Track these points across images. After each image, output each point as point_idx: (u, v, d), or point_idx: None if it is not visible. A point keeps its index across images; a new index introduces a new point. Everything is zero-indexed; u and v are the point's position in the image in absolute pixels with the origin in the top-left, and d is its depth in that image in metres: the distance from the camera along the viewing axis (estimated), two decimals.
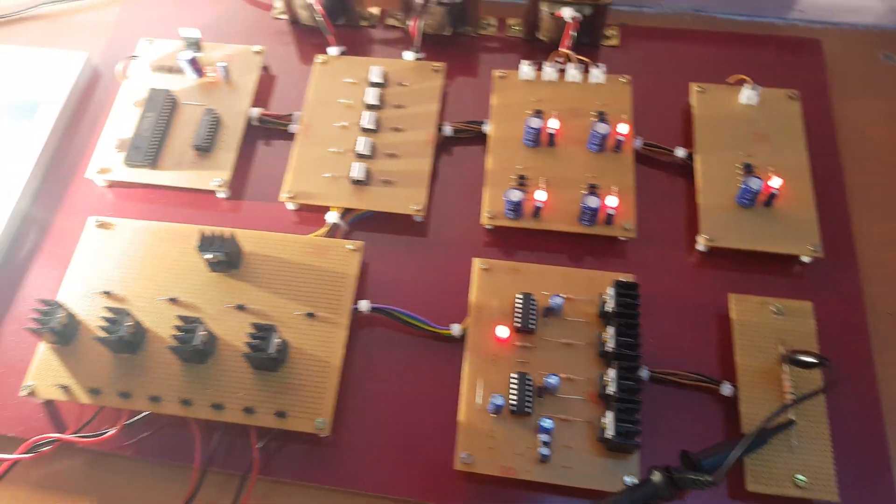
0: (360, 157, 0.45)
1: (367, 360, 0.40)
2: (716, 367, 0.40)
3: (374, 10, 0.52)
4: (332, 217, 0.44)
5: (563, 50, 0.46)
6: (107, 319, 0.38)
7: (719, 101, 0.47)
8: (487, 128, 0.46)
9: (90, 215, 0.44)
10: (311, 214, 0.45)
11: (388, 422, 0.39)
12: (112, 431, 0.37)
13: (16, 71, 0.50)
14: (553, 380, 0.37)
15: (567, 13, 0.46)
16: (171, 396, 0.38)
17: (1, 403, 0.40)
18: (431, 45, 0.49)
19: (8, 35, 0.55)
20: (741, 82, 0.47)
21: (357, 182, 0.44)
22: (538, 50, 0.51)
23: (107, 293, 0.41)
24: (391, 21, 0.52)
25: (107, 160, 0.46)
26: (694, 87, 0.47)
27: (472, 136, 0.47)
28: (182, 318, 0.38)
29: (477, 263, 0.41)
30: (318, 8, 0.48)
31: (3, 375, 0.41)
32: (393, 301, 0.41)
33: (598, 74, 0.46)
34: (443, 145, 0.47)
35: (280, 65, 0.51)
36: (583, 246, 0.43)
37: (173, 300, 0.41)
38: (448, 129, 0.46)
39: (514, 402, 0.37)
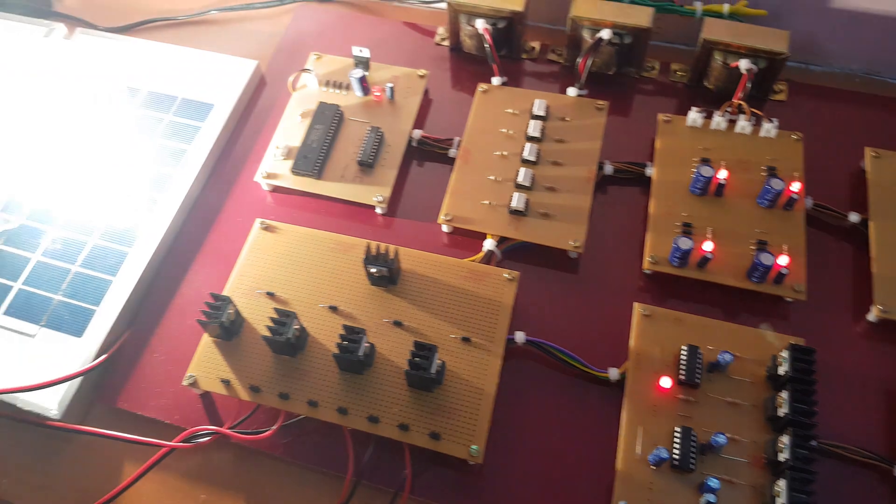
0: (520, 187, 0.45)
1: (518, 393, 0.40)
2: (885, 446, 0.38)
3: (535, 45, 0.54)
4: (488, 244, 0.44)
5: (737, 101, 0.46)
6: (275, 321, 0.40)
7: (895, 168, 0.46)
8: (650, 171, 0.46)
9: (253, 216, 0.46)
10: (463, 239, 0.46)
11: (538, 458, 0.39)
12: (269, 431, 0.39)
13: (192, 72, 0.54)
14: (721, 439, 0.36)
15: (744, 64, 0.46)
16: (328, 403, 0.39)
17: (160, 390, 0.42)
18: (594, 83, 0.50)
19: (180, 36, 0.59)
20: None
21: (516, 212, 0.45)
22: (700, 97, 0.51)
23: (271, 294, 0.43)
24: (552, 56, 0.53)
25: (274, 166, 0.48)
26: (869, 152, 0.46)
27: (632, 178, 0.47)
28: (347, 328, 0.39)
29: (638, 309, 0.41)
30: (488, 38, 0.50)
31: (163, 363, 0.43)
32: (544, 335, 0.41)
33: (769, 129, 0.46)
34: (600, 183, 0.47)
35: (438, 89, 0.53)
36: (744, 302, 0.43)
37: (333, 308, 0.42)
38: (609, 168, 0.47)
39: (678, 457, 0.36)
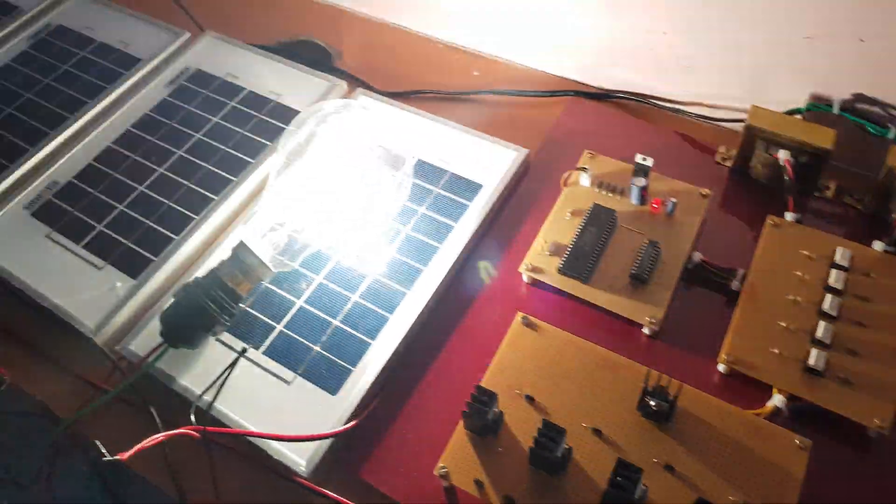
0: (818, 343, 0.42)
1: None
2: None
3: (831, 185, 0.51)
4: (777, 400, 0.41)
5: None
6: (542, 433, 0.38)
7: None
8: None
9: (510, 306, 0.46)
10: (741, 385, 0.42)
11: None
12: None
13: (462, 149, 0.55)
14: None
15: None
16: None
17: (404, 470, 0.41)
18: None
19: (450, 111, 0.60)
20: None
21: (811, 371, 0.41)
22: None
23: (530, 398, 0.41)
24: (848, 200, 0.50)
25: (538, 260, 0.48)
26: None
27: None
28: (622, 463, 0.36)
29: None
30: (789, 171, 0.47)
31: (411, 441, 0.42)
32: None
33: None
34: None
35: (716, 211, 0.50)
36: None
37: (597, 432, 0.40)
38: None
39: None
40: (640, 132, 0.57)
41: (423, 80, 0.64)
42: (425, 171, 0.55)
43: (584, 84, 0.62)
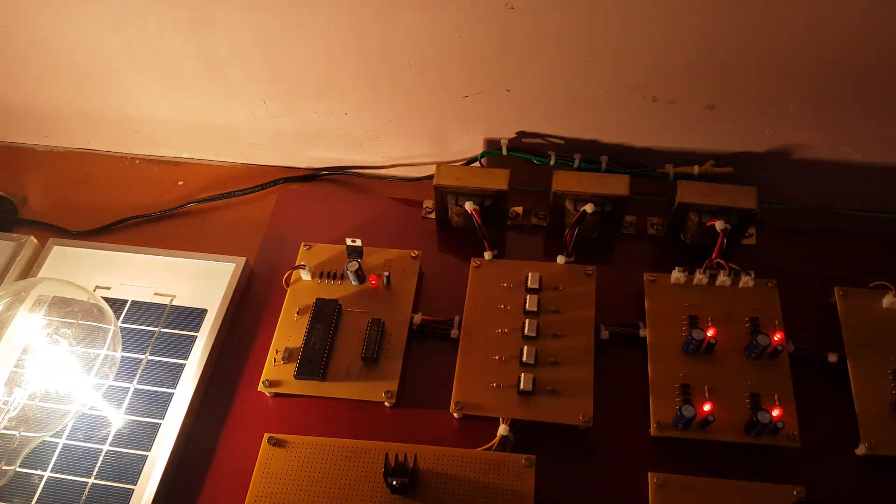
0: (526, 366, 0.54)
1: None
2: None
3: (518, 210, 0.64)
4: (502, 430, 0.52)
5: (717, 260, 0.56)
6: None
7: (863, 305, 0.56)
8: (643, 332, 0.55)
9: (260, 426, 0.53)
10: (476, 426, 0.53)
11: None
12: None
13: (177, 276, 0.61)
14: None
15: (719, 226, 0.56)
16: None
17: None
18: (577, 247, 0.59)
19: (159, 234, 0.66)
20: (882, 287, 0.56)
21: (524, 393, 0.53)
22: (678, 249, 0.61)
23: None
24: (535, 220, 0.63)
25: (275, 373, 0.55)
26: (837, 292, 0.56)
27: (627, 338, 0.56)
28: None
29: (652, 479, 0.49)
30: (477, 218, 0.59)
31: None
32: None
33: (748, 280, 0.56)
34: (599, 348, 0.55)
35: (431, 265, 0.61)
36: (745, 456, 0.51)
37: None
38: (604, 333, 0.56)
39: None
40: (351, 205, 0.66)
41: (126, 203, 0.68)
42: (142, 311, 0.59)
43: (291, 168, 0.70)
